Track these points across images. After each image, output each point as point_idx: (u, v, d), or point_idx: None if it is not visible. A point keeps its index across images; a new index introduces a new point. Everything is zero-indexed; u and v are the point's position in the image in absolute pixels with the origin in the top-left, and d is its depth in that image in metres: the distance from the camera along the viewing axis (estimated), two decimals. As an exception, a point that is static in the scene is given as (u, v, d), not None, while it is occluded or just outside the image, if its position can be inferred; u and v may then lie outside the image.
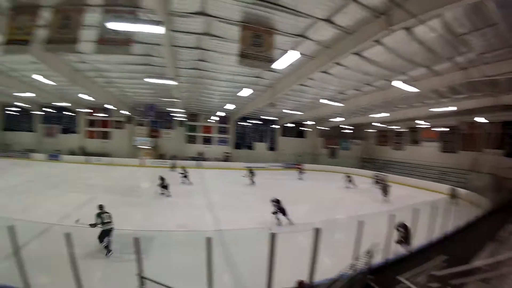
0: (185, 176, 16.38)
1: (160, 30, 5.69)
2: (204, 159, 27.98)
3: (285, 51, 8.15)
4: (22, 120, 27.95)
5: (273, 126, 30.83)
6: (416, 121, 22.54)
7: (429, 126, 22.69)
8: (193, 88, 16.92)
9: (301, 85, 13.93)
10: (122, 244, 6.40)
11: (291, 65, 9.50)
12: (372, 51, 9.49)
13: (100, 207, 6.65)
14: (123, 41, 7.02)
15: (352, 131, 31.52)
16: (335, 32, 8.27)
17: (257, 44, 7.29)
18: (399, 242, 6.25)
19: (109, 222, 6.39)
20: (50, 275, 4.87)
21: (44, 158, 24.90)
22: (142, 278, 3.92)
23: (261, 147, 30.96)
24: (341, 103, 15.76)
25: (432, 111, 15.96)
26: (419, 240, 6.39)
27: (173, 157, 26.26)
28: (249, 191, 15.72)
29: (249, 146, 30.71)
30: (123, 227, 7.78)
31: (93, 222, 6.22)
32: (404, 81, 10.06)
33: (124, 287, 4.52)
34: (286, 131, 31.65)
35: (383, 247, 5.51)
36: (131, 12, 7.17)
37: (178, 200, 12.25)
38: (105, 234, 6.28)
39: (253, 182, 17.35)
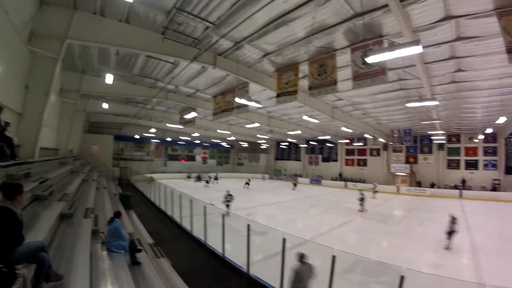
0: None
1: (418, 49, 5.17)
2: (467, 188, 22.92)
3: None
4: (290, 152, 38.61)
5: None
6: None
7: None
8: (452, 105, 15.13)
9: None
10: (368, 270, 6.32)
11: None
12: None
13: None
14: (377, 72, 7.31)
15: None
16: None
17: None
18: None
19: None
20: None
21: (307, 182, 31.59)
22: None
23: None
24: None
25: None
26: None
27: (432, 185, 23.90)
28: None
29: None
30: (371, 253, 8.00)
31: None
32: None
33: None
34: None
35: None
36: (377, 43, 7.40)
37: (434, 234, 10.07)
38: None
39: None
